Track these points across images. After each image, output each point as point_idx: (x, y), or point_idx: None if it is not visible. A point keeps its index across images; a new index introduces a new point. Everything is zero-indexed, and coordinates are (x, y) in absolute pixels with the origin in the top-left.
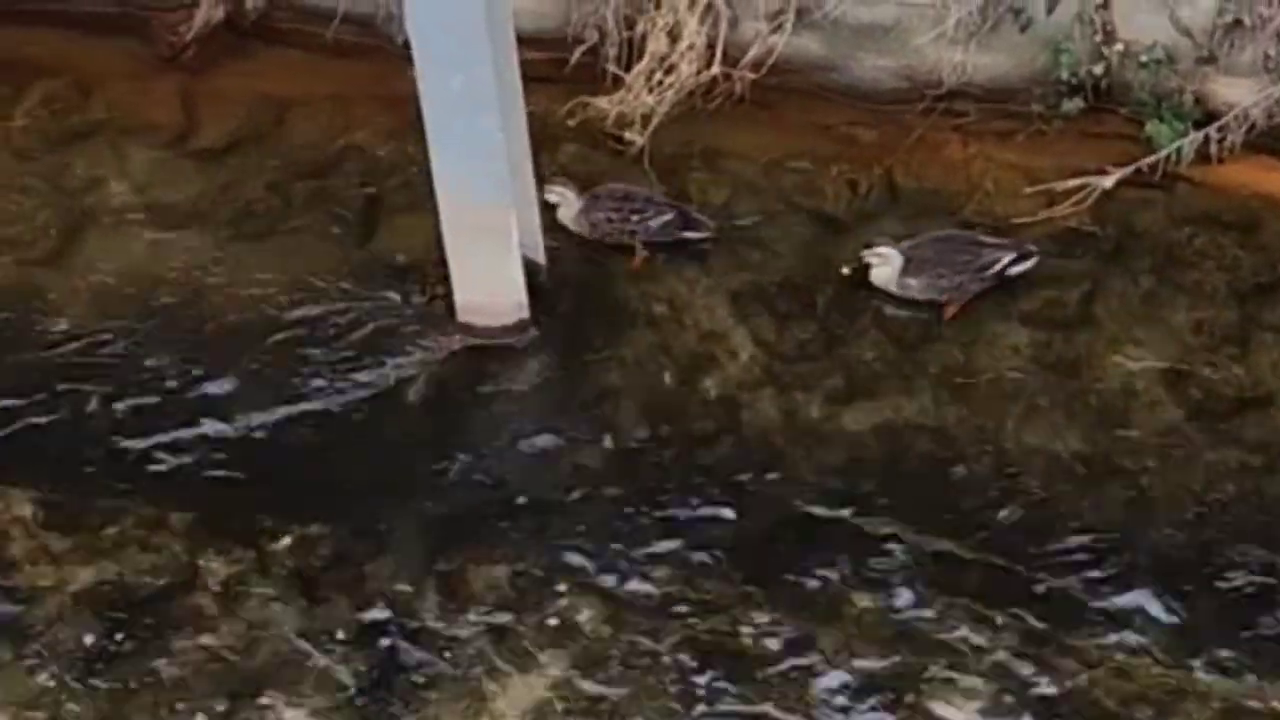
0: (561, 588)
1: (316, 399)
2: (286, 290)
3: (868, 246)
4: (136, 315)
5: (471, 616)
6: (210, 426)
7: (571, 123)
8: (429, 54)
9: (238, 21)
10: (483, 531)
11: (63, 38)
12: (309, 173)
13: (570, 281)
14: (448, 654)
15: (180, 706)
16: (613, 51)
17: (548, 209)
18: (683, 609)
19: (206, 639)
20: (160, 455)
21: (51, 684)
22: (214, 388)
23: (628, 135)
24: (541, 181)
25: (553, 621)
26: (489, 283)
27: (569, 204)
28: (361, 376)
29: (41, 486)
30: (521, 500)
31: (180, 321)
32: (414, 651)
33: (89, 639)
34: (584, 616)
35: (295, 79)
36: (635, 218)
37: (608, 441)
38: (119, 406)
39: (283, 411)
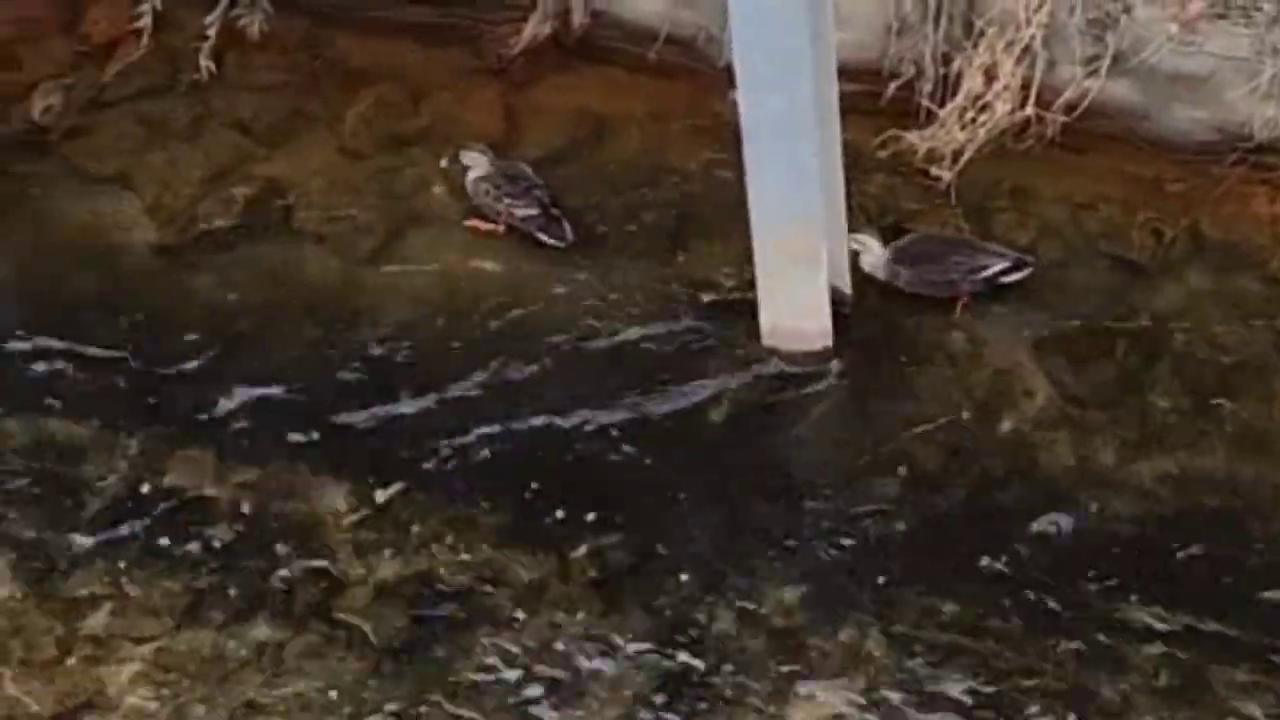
0: (851, 613)
1: (621, 412)
2: (596, 302)
3: (852, 232)
4: (452, 319)
5: (761, 636)
6: (517, 431)
7: (882, 154)
8: (751, 78)
9: (563, 38)
10: (776, 552)
11: (396, 46)
12: (624, 189)
13: (874, 312)
14: (735, 671)
15: (478, 702)
16: (927, 87)
17: None
18: (968, 646)
19: (506, 638)
20: (469, 456)
21: (356, 672)
22: (523, 394)
23: (936, 170)
24: None
25: (840, 647)
26: (796, 308)
27: (479, 165)
28: (667, 392)
29: (356, 480)
30: (815, 524)
31: (494, 328)
32: (703, 666)
33: (394, 630)
34: (870, 644)
35: (615, 97)
36: (507, 200)
37: (902, 472)
38: (432, 406)
39: (588, 422)
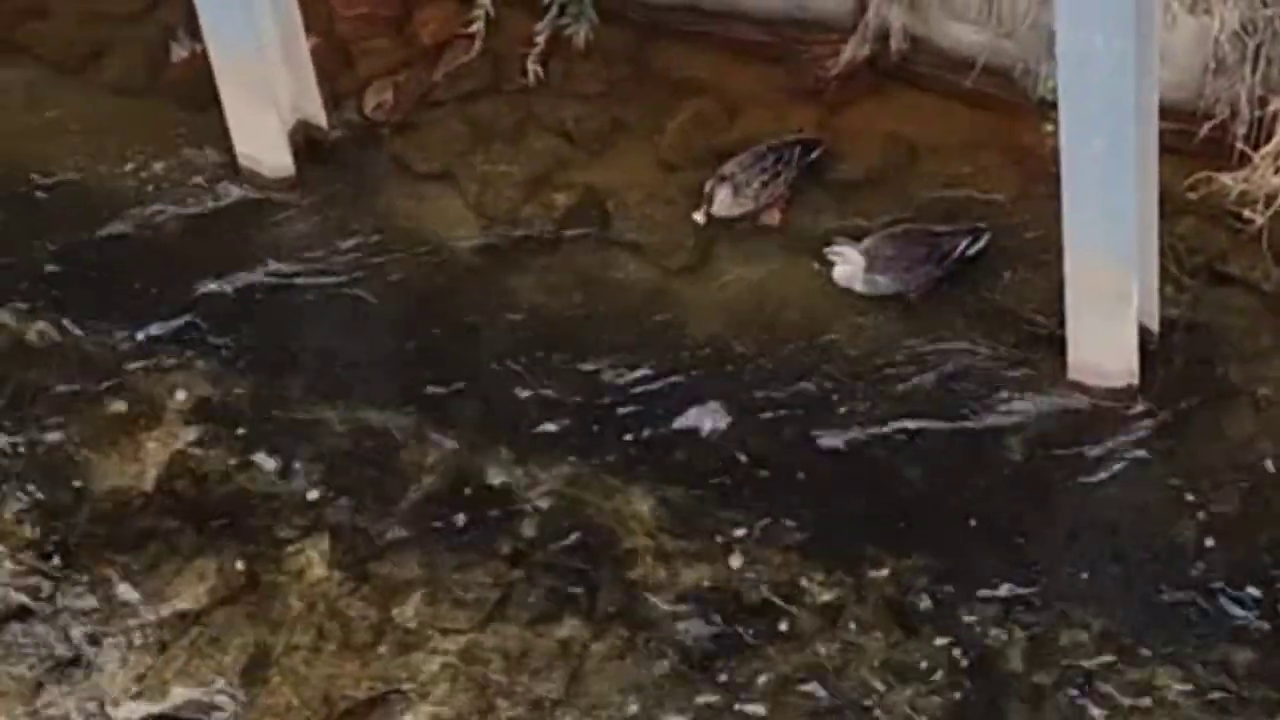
0: (1146, 654)
1: (921, 437)
2: (901, 327)
3: (828, 245)
4: (759, 334)
5: (1055, 672)
6: (819, 449)
7: (1192, 196)
8: (1074, 117)
9: (880, 62)
10: (1074, 588)
11: (717, 60)
12: (933, 217)
13: (1179, 353)
14: (1029, 706)
15: (771, 718)
16: (1242, 129)
17: None
18: (1268, 697)
19: (802, 656)
20: (771, 471)
21: (654, 678)
22: (825, 414)
23: (1248, 214)
24: None
25: (1134, 688)
26: (1103, 345)
27: (723, 184)
28: (969, 419)
29: (662, 488)
30: (1109, 563)
31: (799, 346)
32: (997, 699)
33: (693, 639)
34: (1165, 688)
35: (929, 123)
36: (780, 168)
37: (1201, 517)
38: (738, 419)
39: (888, 444)
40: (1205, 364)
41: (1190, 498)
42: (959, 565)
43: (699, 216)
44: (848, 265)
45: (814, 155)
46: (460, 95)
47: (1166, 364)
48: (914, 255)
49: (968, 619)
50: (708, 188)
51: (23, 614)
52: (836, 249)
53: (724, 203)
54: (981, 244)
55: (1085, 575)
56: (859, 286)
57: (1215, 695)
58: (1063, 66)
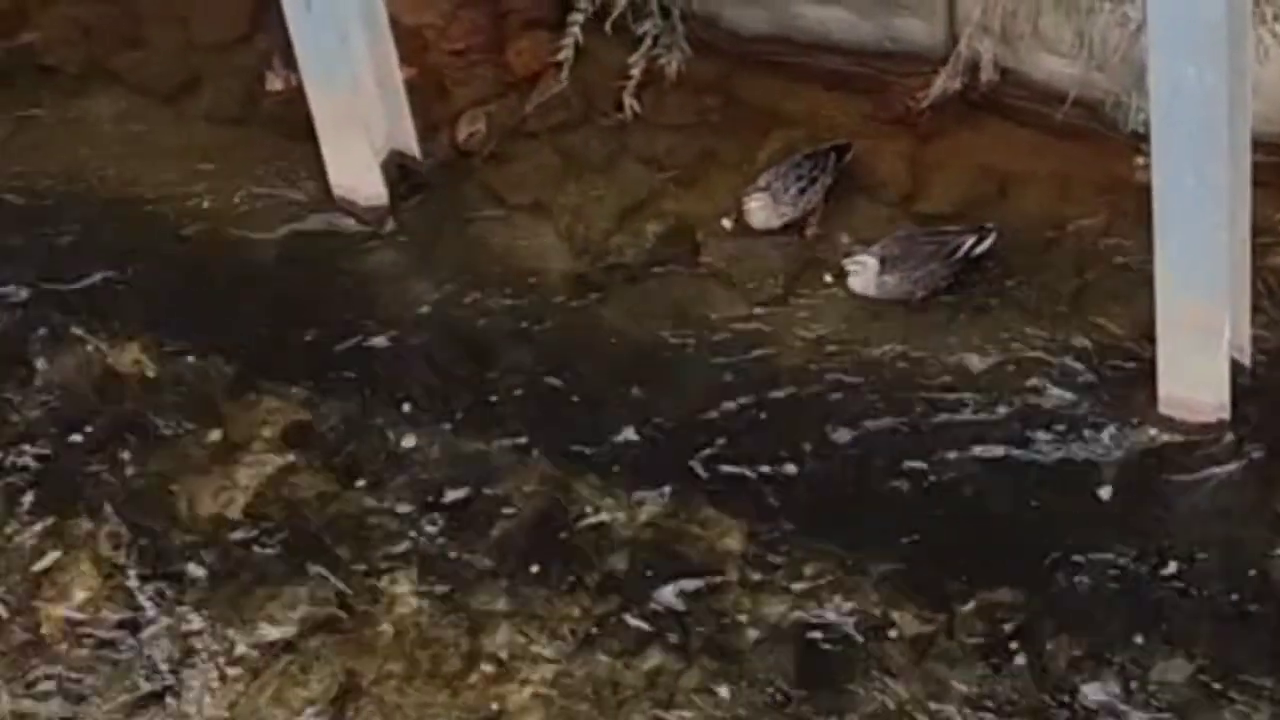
0: (1237, 692)
1: (1010, 472)
2: (990, 359)
3: (847, 255)
4: (848, 364)
5: (1147, 710)
6: (906, 482)
7: None
8: (1166, 147)
9: (971, 94)
10: (1168, 625)
11: (808, 91)
12: (1023, 248)
13: (1272, 387)
14: None
15: None
16: None
17: None
18: None
19: (890, 690)
20: (860, 504)
21: (744, 709)
22: (913, 446)
23: None
24: None
25: None
26: (1195, 379)
27: (758, 198)
28: (1059, 452)
29: (751, 520)
30: (1201, 598)
31: (889, 379)
32: None
33: (782, 671)
34: None
35: (1019, 155)
36: (819, 175)
37: None
38: (825, 452)
39: (977, 479)
40: None
41: (1277, 532)
42: (1048, 600)
43: (726, 223)
44: (864, 273)
45: (847, 159)
46: (552, 126)
47: (1258, 398)
48: (920, 254)
49: (1057, 655)
50: (743, 201)
51: (116, 641)
52: (856, 259)
53: (763, 214)
54: (988, 243)
55: (1177, 612)
56: (873, 291)
57: None
58: (1155, 99)
